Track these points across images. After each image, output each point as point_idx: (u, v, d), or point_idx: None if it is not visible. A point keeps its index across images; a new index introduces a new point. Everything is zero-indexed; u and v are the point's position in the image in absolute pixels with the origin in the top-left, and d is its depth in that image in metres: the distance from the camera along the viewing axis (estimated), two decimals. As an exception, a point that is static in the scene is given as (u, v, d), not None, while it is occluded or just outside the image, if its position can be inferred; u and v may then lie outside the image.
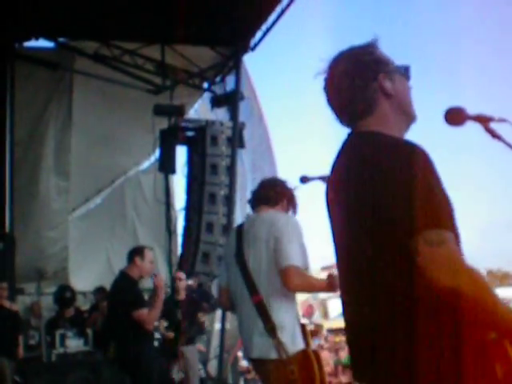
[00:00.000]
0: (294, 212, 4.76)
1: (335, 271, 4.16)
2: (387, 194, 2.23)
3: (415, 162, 2.24)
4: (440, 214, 2.17)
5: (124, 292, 6.87)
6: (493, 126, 2.58)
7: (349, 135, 2.59)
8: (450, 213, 2.24)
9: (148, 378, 6.87)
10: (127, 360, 6.83)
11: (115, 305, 6.93)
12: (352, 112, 2.57)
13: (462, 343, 2.22)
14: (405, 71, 2.66)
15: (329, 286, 4.36)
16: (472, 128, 2.59)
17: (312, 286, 4.49)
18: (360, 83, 2.52)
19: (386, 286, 2.28)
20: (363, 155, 2.39)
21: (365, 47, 2.58)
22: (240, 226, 4.64)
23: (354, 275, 2.41)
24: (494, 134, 2.55)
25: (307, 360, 4.16)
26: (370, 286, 2.33)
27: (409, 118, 2.62)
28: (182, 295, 9.73)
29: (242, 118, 11.93)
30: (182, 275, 9.91)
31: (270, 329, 4.15)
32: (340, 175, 2.48)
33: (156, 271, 7.52)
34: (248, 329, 4.34)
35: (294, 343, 4.16)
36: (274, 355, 4.12)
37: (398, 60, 2.65)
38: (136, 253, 7.04)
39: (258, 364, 4.40)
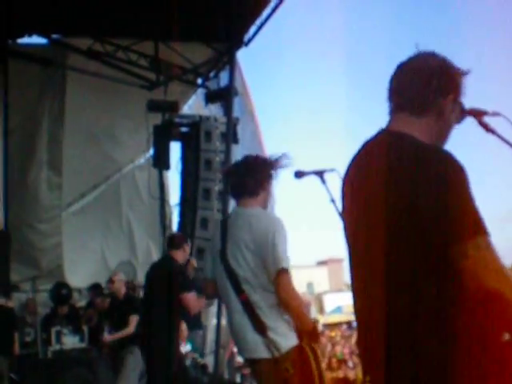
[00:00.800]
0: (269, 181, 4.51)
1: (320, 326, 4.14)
2: (431, 199, 2.27)
3: (457, 172, 2.30)
4: (483, 222, 2.26)
5: (175, 274, 6.88)
6: (486, 119, 2.58)
7: (387, 132, 2.59)
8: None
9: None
10: (158, 348, 6.83)
11: (161, 286, 6.91)
12: (407, 97, 2.56)
13: (491, 345, 2.27)
14: (462, 112, 2.65)
15: (310, 331, 4.23)
16: (466, 122, 2.59)
17: (298, 313, 4.22)
18: (434, 84, 2.52)
19: (421, 288, 2.31)
20: (407, 158, 2.39)
21: (458, 67, 2.59)
22: (225, 220, 4.52)
23: (381, 276, 2.39)
24: (487, 128, 2.55)
25: (303, 356, 4.11)
26: (402, 288, 2.34)
27: (438, 142, 2.61)
28: None
29: (234, 113, 11.90)
30: None
31: (260, 327, 4.08)
32: (376, 171, 2.46)
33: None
34: (238, 328, 4.26)
35: (285, 340, 4.09)
36: (266, 354, 4.05)
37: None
38: (185, 240, 7.34)
39: (251, 364, 4.33)
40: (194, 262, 8.64)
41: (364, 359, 2.65)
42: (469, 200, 2.28)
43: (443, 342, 2.24)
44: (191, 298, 6.58)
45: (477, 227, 2.26)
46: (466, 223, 2.26)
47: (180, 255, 7.07)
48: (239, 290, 4.19)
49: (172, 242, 7.40)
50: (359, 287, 2.58)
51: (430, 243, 2.27)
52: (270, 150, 12.67)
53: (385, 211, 2.36)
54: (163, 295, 6.76)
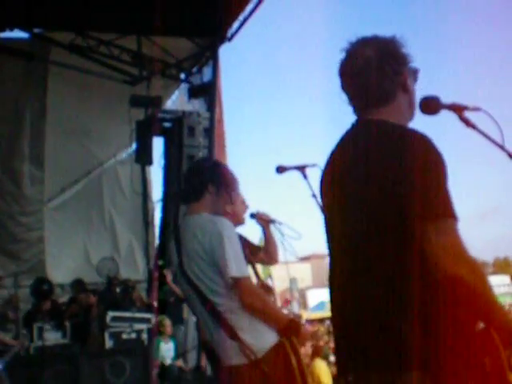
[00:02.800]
0: (232, 191, 4.34)
1: (305, 324, 4.07)
2: (402, 180, 2.29)
3: (431, 153, 2.33)
4: (450, 204, 2.27)
5: None
6: (467, 114, 2.59)
7: (359, 122, 2.62)
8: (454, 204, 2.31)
9: None
10: None
11: None
12: (370, 97, 2.59)
13: (455, 328, 2.27)
14: (415, 72, 2.71)
15: (286, 328, 4.04)
16: (446, 117, 2.59)
17: (269, 314, 4.06)
18: (388, 71, 2.56)
19: (389, 268, 2.33)
20: (383, 142, 2.42)
21: (394, 39, 2.62)
22: (177, 231, 4.31)
23: (359, 260, 2.42)
24: (468, 123, 2.56)
25: (282, 353, 4.03)
26: (374, 268, 2.37)
27: (411, 117, 2.68)
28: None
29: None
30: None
31: (231, 333, 3.95)
32: (354, 159, 2.49)
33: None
34: (212, 338, 4.14)
35: (260, 341, 3.95)
36: (242, 360, 3.91)
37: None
38: None
39: (229, 372, 4.09)
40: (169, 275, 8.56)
41: (337, 343, 2.65)
42: (440, 181, 2.29)
43: (415, 325, 2.25)
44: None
45: (441, 210, 2.27)
46: (432, 205, 2.26)
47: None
48: (204, 301, 4.05)
49: None
50: (337, 275, 2.59)
51: (402, 226, 2.29)
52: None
53: (364, 195, 2.39)
54: None
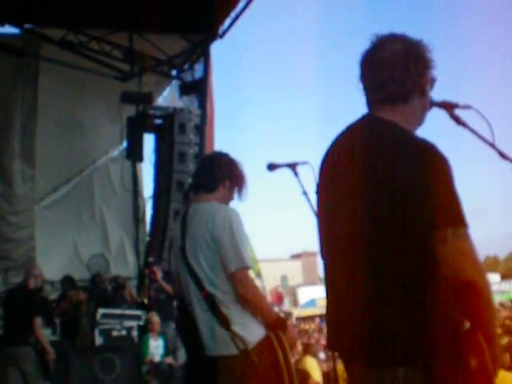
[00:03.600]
0: (241, 192, 4.45)
1: (292, 322, 4.11)
2: (416, 186, 2.29)
3: (442, 161, 2.34)
4: (463, 213, 2.31)
5: None
6: (458, 112, 2.59)
7: (370, 118, 2.60)
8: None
9: None
10: None
11: None
12: (389, 92, 2.56)
13: (445, 328, 2.30)
14: (433, 81, 2.68)
15: (274, 323, 4.15)
16: (437, 114, 2.60)
17: (260, 308, 4.15)
18: (412, 71, 2.54)
19: (398, 274, 2.33)
20: (392, 144, 2.41)
21: (422, 42, 2.60)
22: (184, 216, 4.38)
23: (359, 261, 2.41)
24: (458, 121, 2.56)
25: (270, 346, 4.07)
26: (379, 272, 2.36)
27: (421, 122, 2.66)
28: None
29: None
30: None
31: (225, 322, 4.02)
32: (361, 158, 2.46)
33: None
34: (202, 324, 4.17)
35: (252, 334, 4.02)
36: (233, 350, 3.98)
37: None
38: None
39: (218, 362, 4.15)
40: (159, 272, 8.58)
41: (332, 344, 2.66)
42: (452, 189, 2.31)
43: (416, 326, 2.27)
44: None
45: (458, 217, 2.29)
46: (448, 212, 2.29)
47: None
48: (201, 287, 4.12)
49: None
50: (333, 274, 2.58)
51: (410, 229, 2.30)
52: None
53: (366, 197, 2.38)
54: None
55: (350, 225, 2.44)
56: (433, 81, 2.64)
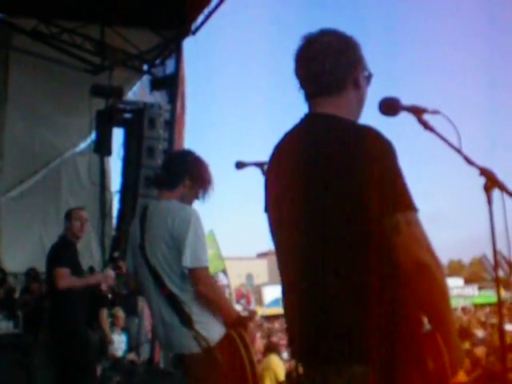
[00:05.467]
0: (204, 190, 4.47)
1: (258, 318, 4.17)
2: (362, 173, 2.31)
3: (386, 146, 2.38)
4: (412, 197, 2.34)
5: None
6: (426, 117, 2.62)
7: (308, 116, 2.65)
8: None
9: None
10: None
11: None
12: (322, 83, 2.61)
13: (403, 326, 2.33)
14: (368, 77, 2.76)
15: (235, 322, 4.18)
16: (405, 118, 2.62)
17: (220, 305, 4.20)
18: (343, 61, 2.60)
19: (344, 264, 2.35)
20: (337, 137, 2.44)
21: (353, 38, 2.68)
22: (144, 212, 4.41)
23: (314, 255, 2.42)
24: (426, 126, 2.59)
25: (232, 343, 4.08)
26: (335, 263, 2.37)
27: (358, 115, 2.72)
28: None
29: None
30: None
31: (186, 321, 4.03)
32: (304, 155, 2.50)
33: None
34: (162, 323, 4.19)
35: (212, 332, 4.06)
36: (195, 348, 4.02)
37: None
38: (71, 214, 7.57)
39: (181, 359, 4.25)
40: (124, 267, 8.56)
41: (290, 334, 2.68)
42: (397, 173, 2.34)
43: (374, 322, 2.28)
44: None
45: (407, 202, 2.32)
46: (396, 197, 2.32)
47: (68, 228, 7.33)
48: (161, 285, 4.14)
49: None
50: (288, 271, 2.60)
51: (360, 219, 2.33)
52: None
53: (316, 191, 2.40)
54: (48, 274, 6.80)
55: (302, 223, 2.46)
56: (368, 77, 2.73)
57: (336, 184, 2.35)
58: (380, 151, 2.34)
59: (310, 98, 2.67)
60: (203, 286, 4.04)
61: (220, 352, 4.01)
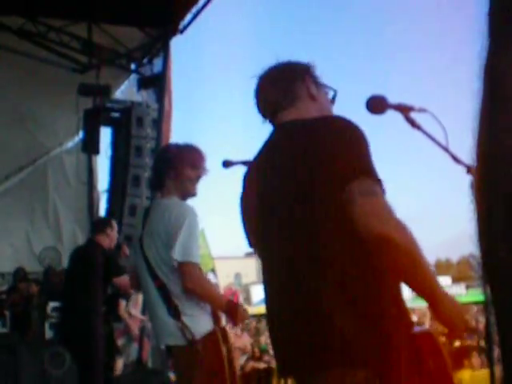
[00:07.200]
0: (197, 176, 4.51)
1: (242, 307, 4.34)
2: (324, 155, 2.29)
3: (351, 126, 2.37)
4: (370, 165, 2.26)
5: (99, 258, 6.99)
6: (413, 115, 2.62)
7: (275, 128, 2.67)
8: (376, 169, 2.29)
9: None
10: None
11: (83, 270, 6.90)
12: (276, 104, 2.66)
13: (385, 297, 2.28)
14: (333, 94, 2.80)
15: (227, 310, 4.31)
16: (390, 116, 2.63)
17: (209, 299, 4.31)
18: (283, 84, 2.67)
19: (320, 242, 2.31)
20: (300, 132, 2.44)
21: (294, 61, 2.75)
22: (147, 209, 4.58)
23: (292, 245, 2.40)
24: (413, 124, 2.60)
25: (215, 340, 4.14)
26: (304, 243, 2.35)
27: None
28: None
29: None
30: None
31: (174, 313, 4.13)
32: (275, 158, 2.51)
33: None
34: (155, 314, 4.32)
35: (198, 325, 4.14)
36: (180, 340, 4.10)
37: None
38: (109, 225, 7.33)
39: (170, 351, 4.37)
40: (126, 249, 8.60)
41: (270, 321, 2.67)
42: (361, 148, 2.31)
43: (342, 296, 2.25)
44: (125, 281, 6.55)
45: (363, 169, 2.25)
46: (353, 165, 2.25)
47: (104, 240, 7.00)
48: (154, 277, 4.24)
49: (95, 226, 7.43)
50: (271, 270, 2.59)
51: (325, 192, 2.28)
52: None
53: (283, 178, 2.42)
54: (85, 280, 6.72)
55: (282, 220, 2.44)
56: (319, 83, 2.74)
57: (302, 168, 2.33)
58: (341, 130, 2.34)
59: (272, 117, 2.69)
60: (189, 282, 4.10)
61: (203, 347, 4.07)
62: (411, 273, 2.24)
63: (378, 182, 2.24)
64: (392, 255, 2.19)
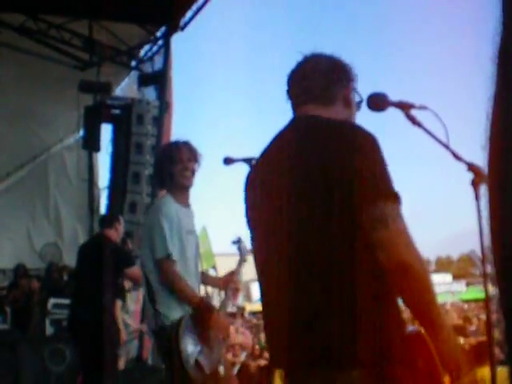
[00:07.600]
0: (193, 170, 4.71)
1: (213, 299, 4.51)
2: (343, 165, 2.29)
3: (368, 139, 2.35)
4: (393, 188, 2.27)
5: (109, 251, 7.13)
6: (414, 112, 2.62)
7: (295, 119, 2.65)
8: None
9: None
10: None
11: (93, 264, 6.96)
12: (313, 95, 2.62)
13: (392, 326, 2.28)
14: (359, 101, 2.75)
15: (199, 307, 4.51)
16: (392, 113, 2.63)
17: (177, 291, 4.52)
18: (334, 77, 2.63)
19: (331, 261, 2.30)
20: (317, 135, 2.43)
21: (343, 59, 2.70)
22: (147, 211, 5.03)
23: (297, 255, 2.39)
24: (414, 121, 2.60)
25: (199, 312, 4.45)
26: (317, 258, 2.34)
27: None
28: None
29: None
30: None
31: (151, 300, 4.51)
32: (288, 156, 2.48)
33: None
34: (146, 302, 4.80)
35: (169, 312, 4.44)
36: (154, 326, 4.50)
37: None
38: (117, 219, 7.49)
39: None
40: (129, 244, 8.63)
41: (269, 335, 2.67)
42: (379, 164, 2.30)
43: (355, 322, 2.24)
44: (137, 271, 6.64)
45: (388, 192, 2.26)
46: (375, 188, 2.26)
47: (112, 234, 7.09)
48: (143, 267, 4.72)
49: (104, 221, 7.56)
50: (270, 270, 2.59)
51: (342, 210, 2.27)
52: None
53: (304, 189, 2.38)
54: (96, 273, 6.74)
55: (287, 223, 2.43)
56: (359, 101, 2.73)
57: (317, 179, 2.31)
58: (360, 143, 2.32)
59: (297, 106, 2.67)
60: (164, 277, 4.48)
61: (172, 331, 4.34)
62: (421, 302, 2.28)
63: (398, 203, 2.26)
64: (407, 282, 2.24)
